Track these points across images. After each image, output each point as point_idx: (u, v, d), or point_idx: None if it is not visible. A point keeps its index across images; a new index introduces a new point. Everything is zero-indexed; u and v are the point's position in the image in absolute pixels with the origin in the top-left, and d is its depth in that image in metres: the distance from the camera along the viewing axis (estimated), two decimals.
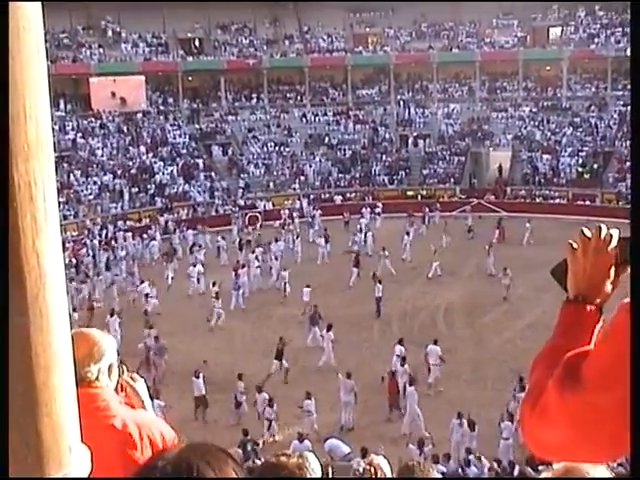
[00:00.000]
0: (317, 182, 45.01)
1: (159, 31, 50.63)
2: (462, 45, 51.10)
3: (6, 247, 1.16)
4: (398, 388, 19.04)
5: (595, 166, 43.51)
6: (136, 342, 22.17)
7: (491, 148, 46.60)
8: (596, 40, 48.99)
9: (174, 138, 46.78)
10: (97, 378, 2.56)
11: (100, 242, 35.25)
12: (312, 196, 42.95)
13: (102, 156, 44.23)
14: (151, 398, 2.98)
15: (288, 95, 51.05)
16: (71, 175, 41.56)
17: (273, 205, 42.14)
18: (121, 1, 45.88)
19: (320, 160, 46.12)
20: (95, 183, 42.01)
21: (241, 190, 43.72)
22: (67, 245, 31.48)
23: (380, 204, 40.54)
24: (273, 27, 52.58)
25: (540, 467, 10.53)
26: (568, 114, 47.33)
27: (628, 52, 38.80)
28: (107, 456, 2.14)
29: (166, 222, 38.79)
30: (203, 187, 43.61)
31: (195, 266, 29.82)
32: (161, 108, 48.85)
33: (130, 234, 36.28)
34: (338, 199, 42.91)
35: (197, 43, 51.99)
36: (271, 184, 44.54)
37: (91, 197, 40.95)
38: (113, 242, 35.27)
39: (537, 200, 42.10)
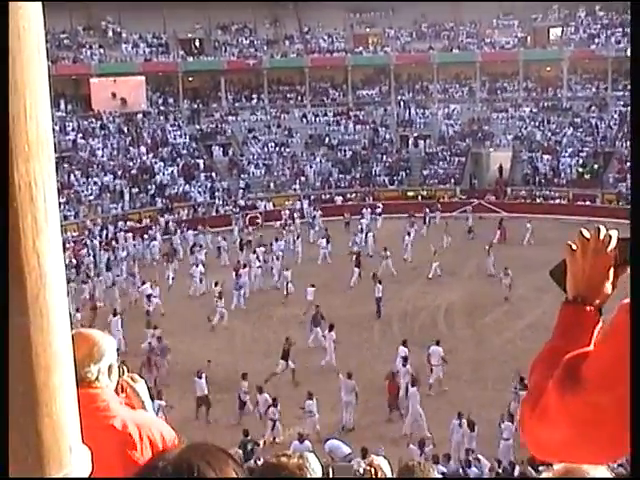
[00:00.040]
0: (317, 183, 45.02)
1: (159, 31, 50.65)
2: (462, 45, 51.10)
3: (6, 247, 1.16)
4: (398, 389, 19.04)
5: (595, 166, 43.50)
6: (138, 342, 22.19)
7: (491, 148, 46.61)
8: (596, 40, 48.99)
9: (174, 138, 46.79)
10: (97, 378, 2.56)
11: (100, 243, 35.27)
12: (312, 197, 42.95)
13: (102, 156, 44.25)
14: (152, 398, 2.98)
15: (288, 95, 51.06)
16: (71, 175, 41.57)
17: (274, 205, 42.14)
18: (122, 1, 45.89)
19: (320, 161, 46.13)
20: (95, 183, 42.02)
21: (241, 190, 43.73)
22: (67, 245, 31.50)
23: (380, 205, 40.56)
24: (273, 27, 52.60)
25: (540, 467, 10.53)
26: (568, 114, 47.34)
27: (628, 52, 38.72)
28: (107, 456, 2.14)
29: (167, 222, 38.80)
30: (203, 187, 43.62)
31: (197, 266, 29.83)
32: (161, 108, 48.87)
33: (130, 235, 36.30)
34: (338, 200, 42.91)
35: (197, 43, 52.01)
36: (271, 184, 44.54)
37: (91, 197, 40.96)
38: (114, 242, 35.29)
39: (537, 200, 42.11)
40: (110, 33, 50.54)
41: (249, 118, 48.97)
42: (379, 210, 39.93)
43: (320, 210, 40.07)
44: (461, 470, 14.80)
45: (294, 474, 2.51)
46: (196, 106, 49.46)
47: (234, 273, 28.40)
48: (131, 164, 44.04)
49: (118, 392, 2.70)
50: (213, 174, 44.69)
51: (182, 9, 47.39)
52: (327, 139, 47.55)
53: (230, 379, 20.88)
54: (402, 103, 49.98)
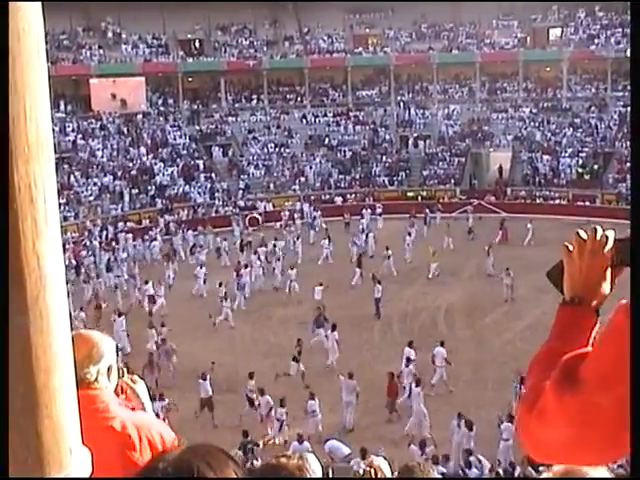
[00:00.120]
0: (317, 183, 45.03)
1: (159, 32, 50.65)
2: (462, 46, 51.11)
3: (6, 249, 1.16)
4: (397, 390, 19.04)
5: (595, 167, 43.52)
6: (142, 343, 22.22)
7: (491, 149, 46.62)
8: (596, 41, 49.00)
9: (174, 139, 46.80)
10: (96, 379, 2.56)
11: (100, 243, 35.29)
12: (312, 197, 42.96)
13: (102, 157, 44.27)
14: (153, 400, 2.98)
15: (288, 96, 51.07)
16: (71, 176, 41.58)
17: (273, 206, 42.14)
18: (121, 1, 45.90)
19: (320, 161, 46.13)
20: (95, 184, 42.03)
21: (241, 191, 43.75)
22: (67, 246, 31.51)
23: (380, 205, 40.58)
24: (273, 28, 52.61)
25: (540, 468, 10.53)
26: (568, 115, 47.35)
27: (628, 53, 38.83)
28: (106, 457, 2.14)
29: (167, 223, 38.80)
30: (203, 188, 43.63)
31: (202, 267, 29.82)
32: (161, 109, 48.89)
33: (131, 235, 36.31)
34: (338, 200, 42.93)
35: (197, 44, 52.03)
36: (271, 185, 44.55)
37: (91, 198, 40.97)
38: (114, 243, 35.31)
39: (537, 201, 42.13)
40: (110, 34, 50.56)
41: (249, 119, 48.98)
42: (379, 211, 39.96)
43: (320, 211, 40.09)
44: (461, 471, 14.80)
45: (294, 475, 2.51)
46: (196, 107, 49.47)
47: (235, 274, 28.44)
48: (131, 165, 44.06)
49: (118, 393, 2.70)
50: (213, 175, 44.70)
51: (182, 10, 47.42)
52: (327, 140, 47.56)
53: (230, 380, 20.89)
54: (402, 104, 49.98)
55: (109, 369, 2.62)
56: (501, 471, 14.58)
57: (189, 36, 51.45)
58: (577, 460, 1.64)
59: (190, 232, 36.88)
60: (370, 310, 26.06)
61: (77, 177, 41.89)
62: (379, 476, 4.53)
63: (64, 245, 21.49)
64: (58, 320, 1.24)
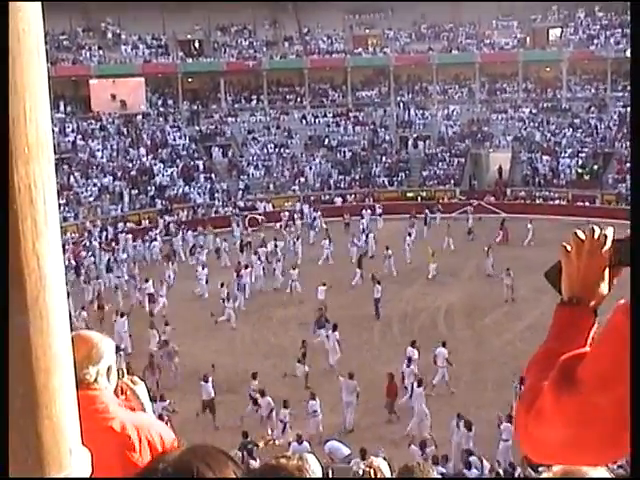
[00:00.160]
0: (317, 184, 45.03)
1: (159, 33, 50.66)
2: (462, 46, 51.12)
3: (6, 249, 1.17)
4: (396, 391, 19.03)
5: (595, 167, 43.52)
6: (142, 343, 22.22)
7: (491, 149, 46.62)
8: (596, 41, 49.02)
9: (174, 140, 46.80)
10: (96, 380, 2.56)
11: (100, 244, 35.29)
12: (312, 198, 42.96)
13: (102, 158, 44.26)
14: (154, 401, 2.98)
15: (288, 97, 51.07)
16: (71, 177, 41.58)
17: (273, 207, 42.14)
18: (121, 1, 45.91)
19: (320, 162, 46.13)
20: (95, 185, 42.03)
21: (241, 192, 43.74)
22: (67, 247, 31.50)
23: (380, 206, 40.58)
24: (273, 29, 52.62)
25: (540, 468, 10.53)
26: (568, 115, 47.35)
27: (628, 53, 38.85)
28: (106, 458, 2.14)
29: (167, 224, 38.80)
30: (203, 189, 43.63)
31: (204, 268, 29.80)
32: (161, 110, 48.89)
33: (130, 236, 36.29)
34: (338, 201, 42.92)
35: (197, 45, 52.04)
36: (271, 186, 44.55)
37: (91, 199, 40.96)
38: (114, 244, 35.30)
39: (537, 201, 42.13)
40: (109, 34, 50.57)
41: (248, 119, 48.98)
42: (379, 211, 39.96)
43: (320, 211, 40.09)
44: (464, 470, 14.79)
45: (293, 475, 2.51)
46: (195, 107, 49.48)
47: (235, 274, 28.44)
48: (131, 165, 44.06)
49: (118, 394, 2.70)
50: (213, 175, 44.70)
51: (181, 10, 47.43)
52: (326, 140, 47.56)
53: (230, 380, 20.89)
54: (401, 104, 49.99)
55: (109, 370, 2.63)
56: (501, 472, 14.58)
57: (189, 37, 51.46)
58: (575, 460, 1.64)
59: (190, 233, 36.87)
60: (370, 310, 26.07)
61: (77, 178, 41.88)
62: (378, 476, 4.53)
63: (64, 246, 21.47)
64: (58, 320, 1.24)
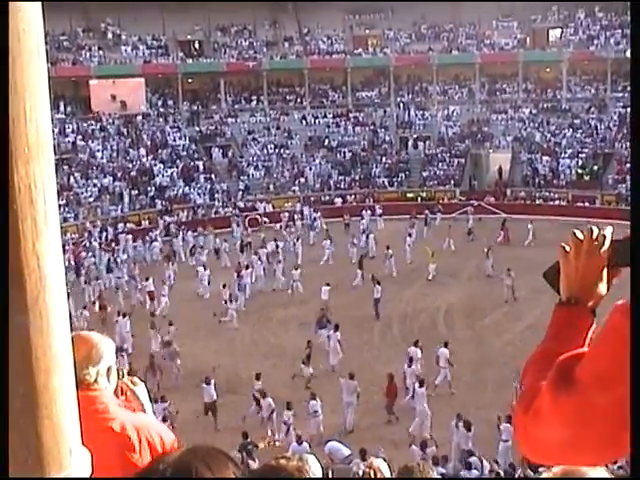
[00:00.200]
0: (317, 184, 45.02)
1: (159, 33, 50.67)
2: (462, 47, 51.12)
3: (6, 249, 1.17)
4: (396, 392, 19.02)
5: (595, 168, 43.52)
6: (143, 344, 22.21)
7: (491, 150, 46.61)
8: (596, 42, 49.02)
9: (174, 140, 46.80)
10: (96, 380, 2.56)
11: (100, 244, 35.30)
12: (312, 198, 42.96)
13: (102, 158, 44.26)
14: (153, 401, 2.98)
15: (288, 97, 51.08)
16: (71, 177, 41.58)
17: (273, 207, 42.15)
18: (121, 1, 45.92)
19: (320, 162, 46.13)
20: (95, 185, 42.03)
21: (241, 192, 43.74)
22: (67, 247, 31.50)
23: (380, 206, 40.59)
24: (273, 29, 52.62)
25: (540, 469, 10.54)
26: (568, 116, 47.35)
27: (628, 53, 38.84)
28: (106, 459, 2.14)
29: (167, 224, 38.80)
30: (203, 189, 43.63)
31: (205, 269, 29.78)
32: (161, 110, 48.90)
33: (130, 236, 36.30)
34: (338, 201, 42.92)
35: (197, 45, 52.04)
36: (271, 186, 44.55)
37: (91, 199, 40.96)
38: (114, 244, 35.31)
39: (537, 202, 42.13)
40: (109, 35, 50.58)
41: (248, 120, 48.98)
42: (379, 211, 39.97)
43: (320, 212, 40.09)
44: (462, 472, 14.79)
45: (293, 476, 2.51)
46: (195, 108, 49.48)
47: (236, 274, 28.44)
48: (130, 166, 44.05)
49: (118, 395, 2.70)
50: (213, 176, 44.70)
51: (181, 11, 47.44)
52: (326, 141, 47.56)
53: (231, 381, 20.89)
54: (401, 104, 50.00)
55: (109, 370, 2.63)
56: (502, 472, 14.57)
57: (189, 37, 51.47)
58: (574, 460, 1.63)
59: (190, 233, 36.87)
60: (371, 311, 26.07)
61: (77, 178, 41.89)
62: (378, 477, 4.53)
63: (64, 246, 21.49)
64: (58, 320, 1.24)
